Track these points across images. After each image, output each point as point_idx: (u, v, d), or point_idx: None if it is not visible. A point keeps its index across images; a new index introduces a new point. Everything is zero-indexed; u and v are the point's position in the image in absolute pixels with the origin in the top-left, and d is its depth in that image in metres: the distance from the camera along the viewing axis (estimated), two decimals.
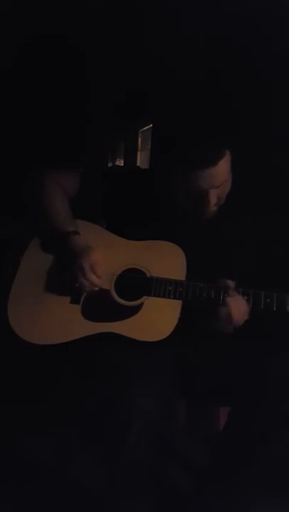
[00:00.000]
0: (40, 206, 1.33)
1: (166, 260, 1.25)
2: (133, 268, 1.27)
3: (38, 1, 2.16)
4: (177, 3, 1.99)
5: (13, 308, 1.27)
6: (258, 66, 1.87)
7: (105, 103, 2.68)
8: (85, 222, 1.33)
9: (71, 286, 1.25)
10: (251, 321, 1.20)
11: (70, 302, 1.26)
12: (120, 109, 2.74)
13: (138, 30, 2.24)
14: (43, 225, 1.32)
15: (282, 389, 1.11)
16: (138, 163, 3.03)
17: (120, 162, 3.10)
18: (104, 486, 1.15)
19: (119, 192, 1.36)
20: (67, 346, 1.22)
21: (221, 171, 1.18)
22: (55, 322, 1.24)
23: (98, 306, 1.24)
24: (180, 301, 1.21)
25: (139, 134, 3.01)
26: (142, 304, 1.23)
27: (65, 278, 1.25)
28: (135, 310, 1.22)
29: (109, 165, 3.08)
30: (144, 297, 1.23)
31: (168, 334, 1.18)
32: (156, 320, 1.20)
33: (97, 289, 1.25)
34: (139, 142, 3.02)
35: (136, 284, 1.24)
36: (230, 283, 1.19)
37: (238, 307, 1.17)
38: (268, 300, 1.17)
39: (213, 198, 1.21)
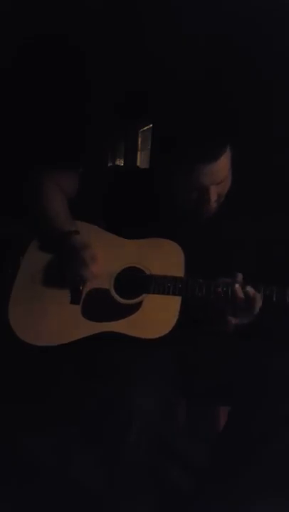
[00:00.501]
0: (39, 206, 1.33)
1: (165, 258, 1.26)
2: (132, 267, 1.27)
3: (38, 1, 2.16)
4: (177, 3, 1.99)
5: (13, 308, 1.27)
6: (258, 66, 1.87)
7: (105, 103, 2.68)
8: (84, 223, 1.33)
9: (72, 284, 1.25)
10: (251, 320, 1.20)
11: (70, 302, 1.26)
12: (120, 109, 2.74)
13: (138, 30, 2.24)
14: (42, 225, 1.33)
15: (282, 389, 1.11)
16: (138, 163, 3.03)
17: (120, 162, 3.10)
18: (104, 486, 1.15)
19: (119, 192, 1.36)
20: (67, 346, 1.22)
21: (222, 167, 1.19)
22: (56, 323, 1.24)
23: (98, 305, 1.24)
24: (179, 298, 1.21)
25: (139, 134, 3.00)
26: (141, 301, 1.23)
27: (66, 277, 1.25)
28: (135, 308, 1.22)
29: (109, 165, 3.08)
30: (144, 295, 1.23)
31: (168, 330, 1.18)
32: (156, 317, 1.20)
33: (93, 287, 1.25)
34: (139, 142, 3.02)
35: (135, 283, 1.24)
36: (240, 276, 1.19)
37: (257, 301, 1.16)
38: (268, 292, 1.16)
39: (214, 195, 1.21)
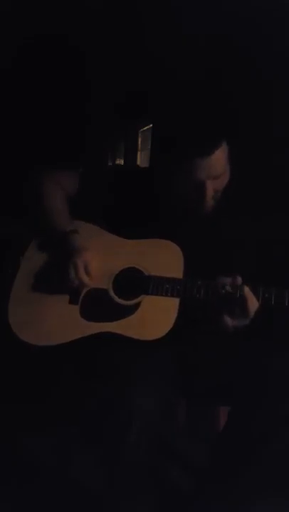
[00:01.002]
0: (39, 206, 1.33)
1: (164, 258, 1.25)
2: (131, 267, 1.27)
3: (38, 1, 2.16)
4: (177, 3, 1.99)
5: (13, 308, 1.27)
6: (258, 66, 1.87)
7: (105, 103, 2.68)
8: (84, 223, 1.33)
9: (69, 286, 1.25)
10: (252, 320, 1.19)
11: (69, 302, 1.26)
12: (120, 109, 2.74)
13: (138, 30, 2.24)
14: (42, 224, 1.33)
15: (282, 389, 1.11)
16: (138, 163, 3.03)
17: (120, 162, 3.10)
18: (104, 486, 1.15)
19: (119, 192, 1.36)
20: (67, 346, 1.22)
21: (217, 162, 1.19)
22: (54, 323, 1.25)
23: (96, 306, 1.24)
24: (178, 299, 1.21)
25: (139, 134, 3.00)
26: (139, 302, 1.22)
27: (65, 277, 1.26)
28: (133, 309, 1.22)
29: (109, 165, 3.07)
30: (142, 296, 1.23)
31: (165, 332, 1.17)
32: (154, 318, 1.20)
33: (92, 287, 1.25)
34: (139, 142, 3.01)
35: (134, 283, 1.24)
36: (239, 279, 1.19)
37: (253, 302, 1.16)
38: (267, 295, 1.16)
39: (210, 190, 1.21)
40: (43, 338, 1.23)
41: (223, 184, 1.25)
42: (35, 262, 1.32)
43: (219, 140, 1.19)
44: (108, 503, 1.16)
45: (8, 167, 2.22)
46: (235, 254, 1.27)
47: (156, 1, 2.08)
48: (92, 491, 1.17)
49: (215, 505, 1.12)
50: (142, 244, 1.29)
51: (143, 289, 1.23)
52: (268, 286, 1.16)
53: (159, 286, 1.22)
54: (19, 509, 1.33)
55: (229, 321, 1.15)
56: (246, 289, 1.14)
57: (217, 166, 1.19)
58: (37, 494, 1.35)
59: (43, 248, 1.33)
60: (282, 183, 1.76)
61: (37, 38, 2.33)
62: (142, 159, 3.03)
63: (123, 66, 2.43)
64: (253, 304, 1.14)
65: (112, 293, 1.25)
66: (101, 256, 1.27)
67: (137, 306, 1.22)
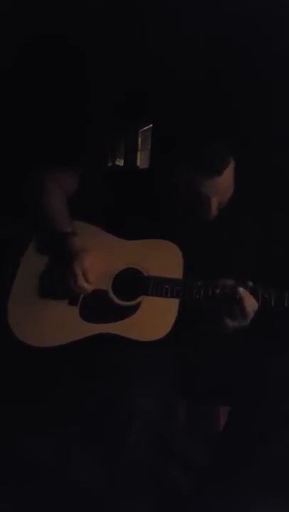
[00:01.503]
0: (39, 206, 1.33)
1: (164, 259, 1.25)
2: (131, 268, 1.27)
3: (38, 1, 2.16)
4: (177, 3, 1.99)
5: (13, 309, 1.27)
6: (258, 66, 1.87)
7: (105, 103, 2.68)
8: (82, 223, 1.33)
9: (68, 288, 1.25)
10: (252, 320, 1.19)
11: (69, 303, 1.26)
12: (120, 109, 2.74)
13: (138, 30, 2.24)
14: (42, 224, 1.33)
15: (282, 389, 1.11)
16: (138, 163, 3.03)
17: (120, 162, 3.10)
18: (105, 486, 1.15)
19: (119, 192, 1.36)
20: (67, 346, 1.22)
21: (226, 179, 1.19)
22: (54, 324, 1.24)
23: (96, 307, 1.24)
24: (177, 300, 1.21)
25: (139, 134, 3.00)
26: (139, 303, 1.22)
27: (64, 279, 1.25)
28: (132, 310, 1.22)
29: (109, 165, 3.08)
30: (142, 297, 1.23)
31: (165, 334, 1.17)
32: (153, 319, 1.20)
33: (93, 291, 1.25)
34: (139, 142, 3.02)
35: (133, 284, 1.24)
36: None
37: (252, 303, 1.15)
38: (266, 296, 1.16)
39: (215, 204, 1.21)
40: (43, 339, 1.23)
41: (228, 196, 1.25)
42: (35, 262, 1.32)
43: (228, 160, 1.19)
44: (108, 503, 1.16)
45: (8, 167, 2.21)
46: (235, 254, 1.27)
47: (156, 1, 2.08)
48: (92, 491, 1.17)
49: (215, 505, 1.12)
50: (141, 244, 1.29)
51: (142, 290, 1.23)
52: (267, 287, 1.16)
53: (159, 286, 1.22)
54: (19, 509, 1.33)
55: (229, 322, 1.15)
56: (241, 290, 1.14)
57: (224, 183, 1.20)
58: (37, 494, 1.35)
59: (42, 248, 1.33)
60: (282, 183, 1.76)
61: (37, 38, 2.33)
62: (142, 159, 3.03)
63: (123, 66, 2.43)
64: (251, 304, 1.14)
65: (111, 294, 1.25)
66: (100, 257, 1.26)
67: (136, 306, 1.22)
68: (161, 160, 1.29)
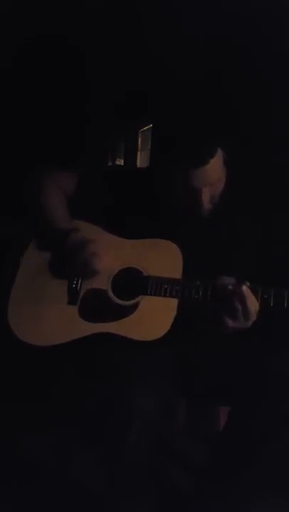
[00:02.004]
0: (39, 206, 1.33)
1: (163, 258, 1.25)
2: (130, 267, 1.27)
3: (38, 1, 2.16)
4: (177, 3, 1.99)
5: (12, 309, 1.27)
6: (258, 66, 1.87)
7: (105, 103, 2.68)
8: (83, 223, 1.33)
9: (77, 279, 1.24)
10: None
11: (68, 303, 1.26)
12: (120, 109, 2.74)
13: (138, 30, 2.24)
14: (42, 224, 1.33)
15: (282, 389, 1.11)
16: (138, 163, 3.03)
17: (120, 162, 3.10)
18: (105, 486, 1.15)
19: (119, 192, 1.36)
20: (66, 346, 1.22)
21: (213, 170, 1.19)
22: (53, 323, 1.25)
23: (95, 306, 1.24)
24: (176, 300, 1.21)
25: (139, 134, 3.00)
26: (138, 303, 1.22)
27: (70, 272, 1.25)
28: (131, 309, 1.22)
29: (109, 165, 3.07)
30: (141, 296, 1.23)
31: (163, 333, 1.17)
32: (152, 319, 1.20)
33: (95, 287, 1.25)
34: (139, 142, 3.01)
35: (132, 283, 1.24)
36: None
37: (253, 303, 1.15)
38: (266, 296, 1.16)
39: (206, 196, 1.21)
40: (43, 339, 1.23)
41: (219, 189, 1.25)
42: (35, 262, 1.32)
43: (214, 149, 1.19)
44: (108, 503, 1.16)
45: (8, 167, 2.21)
46: (235, 254, 1.27)
47: (156, 1, 2.08)
48: (92, 491, 1.17)
49: (215, 505, 1.12)
50: (141, 244, 1.29)
51: (142, 290, 1.23)
52: (266, 287, 1.16)
53: (158, 286, 1.22)
54: (19, 509, 1.33)
55: (229, 322, 1.15)
56: (244, 288, 1.13)
57: (213, 173, 1.20)
58: (37, 494, 1.35)
59: (42, 248, 1.33)
60: (282, 183, 1.76)
61: (37, 38, 2.33)
62: (142, 159, 3.03)
63: (123, 66, 2.43)
64: (253, 303, 1.14)
65: (110, 293, 1.25)
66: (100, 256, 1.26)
67: (135, 306, 1.22)
68: (161, 160, 1.29)
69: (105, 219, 1.34)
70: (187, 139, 1.19)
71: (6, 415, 1.61)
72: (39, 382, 1.60)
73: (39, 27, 2.28)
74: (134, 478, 1.16)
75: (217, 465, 1.18)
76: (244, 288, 1.13)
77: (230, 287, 1.14)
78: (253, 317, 1.15)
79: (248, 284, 1.15)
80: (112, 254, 1.28)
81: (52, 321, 1.25)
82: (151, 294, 1.22)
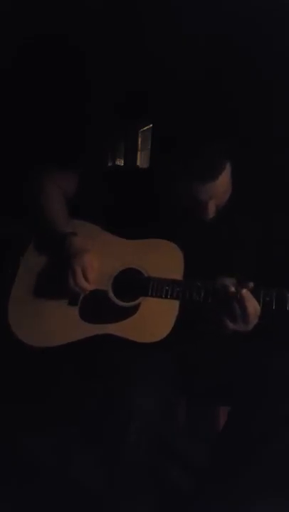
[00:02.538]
0: (39, 206, 1.33)
1: (164, 259, 1.25)
2: (131, 268, 1.27)
3: (38, 1, 2.16)
4: (177, 3, 1.99)
5: (13, 309, 1.27)
6: (258, 66, 1.87)
7: (105, 103, 2.68)
8: (83, 222, 1.33)
9: (68, 287, 1.25)
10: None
11: (68, 304, 1.26)
12: (120, 109, 2.74)
13: (138, 30, 2.24)
14: (42, 224, 1.33)
15: (282, 389, 1.11)
16: (138, 163, 3.03)
17: (120, 162, 3.10)
18: (105, 486, 1.15)
19: (119, 192, 1.36)
20: (67, 346, 1.22)
21: (221, 184, 1.18)
22: (54, 324, 1.24)
23: (96, 307, 1.24)
24: (177, 301, 1.20)
25: (139, 134, 3.00)
26: (139, 304, 1.22)
27: (64, 279, 1.25)
28: (132, 311, 1.22)
29: (109, 165, 3.08)
30: (141, 297, 1.23)
31: (165, 335, 1.17)
32: (153, 321, 1.20)
33: (93, 291, 1.25)
34: (139, 142, 3.01)
35: (133, 285, 1.24)
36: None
37: (254, 306, 1.14)
38: (268, 298, 1.16)
39: (212, 207, 1.20)
40: (43, 339, 1.23)
41: (225, 199, 1.24)
42: (35, 262, 1.32)
43: (224, 165, 1.17)
44: (108, 503, 1.16)
45: (8, 167, 2.22)
46: (235, 254, 1.26)
47: (156, 1, 2.08)
48: (92, 491, 1.17)
49: (215, 505, 1.12)
50: (141, 244, 1.29)
51: (142, 291, 1.23)
52: (268, 289, 1.15)
53: (159, 288, 1.22)
54: (19, 509, 1.33)
55: (230, 323, 1.14)
56: (244, 291, 1.12)
57: (220, 187, 1.18)
58: (37, 494, 1.35)
59: (42, 248, 1.33)
60: (282, 183, 1.76)
61: (37, 38, 2.33)
62: (142, 159, 3.03)
63: (123, 66, 2.43)
64: (253, 305, 1.12)
65: (111, 294, 1.25)
66: (99, 257, 1.26)
67: (136, 307, 1.22)
68: (161, 160, 1.29)
69: (105, 219, 1.34)
70: (194, 148, 1.15)
71: (6, 415, 1.61)
72: (39, 382, 1.60)
73: (39, 27, 2.28)
74: (134, 478, 1.16)
75: (217, 465, 1.18)
76: (244, 291, 1.11)
77: (230, 289, 1.13)
78: (254, 321, 1.13)
79: (252, 284, 1.13)
80: (112, 254, 1.28)
81: (52, 321, 1.25)
82: (152, 296, 1.22)
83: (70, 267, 1.23)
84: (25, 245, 1.34)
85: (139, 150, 3.03)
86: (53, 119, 2.60)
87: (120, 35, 2.29)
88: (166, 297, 1.21)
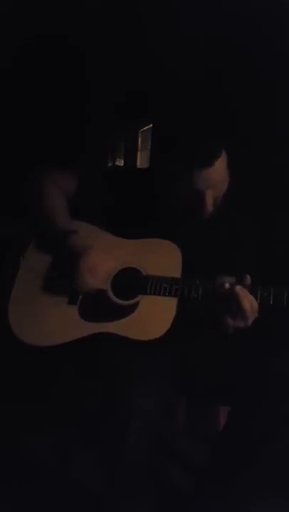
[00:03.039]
0: (39, 206, 1.33)
1: (163, 258, 1.25)
2: (130, 267, 1.27)
3: (38, 1, 2.16)
4: (177, 3, 1.99)
5: (12, 309, 1.27)
6: (258, 66, 1.87)
7: (105, 103, 2.68)
8: (83, 223, 1.33)
9: (71, 286, 1.25)
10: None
11: (68, 303, 1.26)
12: (120, 109, 2.74)
13: (138, 30, 2.24)
14: (42, 224, 1.33)
15: (282, 389, 1.11)
16: (138, 163, 3.03)
17: (120, 162, 3.10)
18: (105, 486, 1.15)
19: (119, 192, 1.36)
20: (66, 346, 1.22)
21: (218, 172, 1.19)
22: (53, 323, 1.25)
23: (95, 306, 1.24)
24: (176, 299, 1.21)
25: (139, 134, 3.00)
26: (137, 302, 1.22)
27: (65, 278, 1.25)
28: (131, 309, 1.22)
29: (109, 165, 3.08)
30: (140, 296, 1.23)
31: (163, 333, 1.17)
32: (152, 318, 1.20)
33: (94, 289, 1.25)
34: (139, 142, 3.01)
35: (132, 283, 1.24)
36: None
37: (250, 302, 1.14)
38: (265, 294, 1.16)
39: (210, 198, 1.21)
40: (43, 339, 1.23)
41: (222, 191, 1.25)
42: (35, 262, 1.32)
43: (219, 151, 1.18)
44: (108, 503, 1.16)
45: (8, 167, 2.22)
46: (235, 254, 1.27)
47: (156, 1, 2.08)
48: (92, 491, 1.17)
49: (215, 505, 1.12)
50: (141, 244, 1.29)
51: (141, 289, 1.23)
52: (266, 287, 1.16)
53: (157, 286, 1.22)
54: (19, 509, 1.33)
55: (229, 321, 1.15)
56: (238, 287, 1.13)
57: (217, 175, 1.19)
58: (37, 494, 1.35)
59: (43, 248, 1.33)
60: (282, 183, 1.76)
61: (37, 38, 2.33)
62: (142, 159, 3.03)
63: (123, 66, 2.43)
64: (249, 302, 1.13)
65: (110, 293, 1.25)
66: (100, 257, 1.26)
67: (135, 306, 1.22)
68: (161, 160, 1.29)
69: (105, 219, 1.34)
70: (191, 139, 1.19)
71: (6, 415, 1.61)
72: (39, 382, 1.60)
73: (39, 27, 2.28)
74: (134, 478, 1.16)
75: (217, 465, 1.18)
76: (238, 287, 1.13)
77: (226, 286, 1.14)
78: (252, 316, 1.14)
79: (249, 279, 1.15)
80: (111, 253, 1.28)
81: (52, 320, 1.25)
82: (150, 294, 1.22)
83: (75, 266, 1.22)
84: (25, 245, 1.34)
85: (139, 150, 3.03)
86: (53, 119, 2.60)
87: (120, 35, 2.29)
88: (164, 295, 1.21)
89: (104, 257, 1.26)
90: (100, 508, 1.16)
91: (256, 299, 1.15)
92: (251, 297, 1.14)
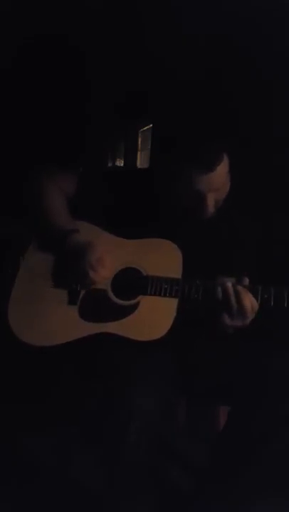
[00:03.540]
0: (39, 206, 1.33)
1: (163, 258, 1.25)
2: (130, 267, 1.27)
3: (38, 1, 2.16)
4: (177, 3, 1.99)
5: (12, 309, 1.27)
6: (258, 66, 1.87)
7: (105, 103, 2.68)
8: (83, 223, 1.33)
9: (76, 284, 1.24)
10: (252, 320, 1.19)
11: (68, 303, 1.26)
12: (120, 109, 2.74)
13: (138, 30, 2.24)
14: (42, 224, 1.33)
15: (282, 389, 1.11)
16: (138, 163, 3.03)
17: (120, 162, 3.10)
18: (105, 486, 1.15)
19: (119, 192, 1.36)
20: (66, 346, 1.22)
21: (219, 175, 1.19)
22: (54, 324, 1.24)
23: (95, 306, 1.24)
24: (176, 299, 1.21)
25: (139, 134, 3.01)
26: (138, 303, 1.22)
27: (69, 277, 1.25)
28: (131, 309, 1.22)
29: (109, 165, 3.08)
30: (140, 296, 1.23)
31: (164, 333, 1.17)
32: (152, 319, 1.20)
33: (95, 287, 1.25)
34: (139, 142, 3.02)
35: (132, 284, 1.24)
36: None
37: (251, 301, 1.15)
38: (266, 296, 1.16)
39: (211, 201, 1.21)
40: (43, 339, 1.23)
41: (224, 194, 1.25)
42: (35, 262, 1.32)
43: (221, 155, 1.18)
44: (108, 503, 1.16)
45: (8, 167, 2.22)
46: (235, 254, 1.27)
47: (156, 1, 2.08)
48: (92, 491, 1.17)
49: (215, 505, 1.12)
50: (141, 244, 1.29)
51: (141, 290, 1.23)
52: (267, 287, 1.16)
53: (157, 286, 1.22)
54: (19, 509, 1.33)
55: (228, 320, 1.15)
56: (239, 287, 1.14)
57: (218, 180, 1.19)
58: (37, 494, 1.35)
59: (43, 248, 1.33)
60: (282, 183, 1.76)
61: (37, 38, 2.33)
62: (142, 159, 3.03)
63: (123, 66, 2.43)
64: (249, 301, 1.14)
65: (110, 293, 1.25)
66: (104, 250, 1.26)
67: (135, 306, 1.22)
68: (161, 160, 1.29)
69: (105, 219, 1.34)
70: (191, 138, 1.18)
71: (6, 415, 1.61)
72: (39, 382, 1.60)
73: (39, 27, 2.28)
74: (134, 478, 1.16)
75: (217, 465, 1.18)
76: (239, 287, 1.14)
77: (226, 285, 1.15)
78: (251, 315, 1.15)
79: (247, 281, 1.15)
80: (111, 253, 1.28)
81: (52, 321, 1.25)
82: (150, 294, 1.22)
83: (80, 261, 1.22)
84: (25, 245, 1.34)
85: (139, 150, 3.03)
86: (53, 119, 2.60)
87: (120, 35, 2.29)
88: (164, 295, 1.21)
89: (102, 266, 1.26)
90: (100, 508, 1.16)
91: (256, 299, 1.15)
92: (251, 296, 1.14)
